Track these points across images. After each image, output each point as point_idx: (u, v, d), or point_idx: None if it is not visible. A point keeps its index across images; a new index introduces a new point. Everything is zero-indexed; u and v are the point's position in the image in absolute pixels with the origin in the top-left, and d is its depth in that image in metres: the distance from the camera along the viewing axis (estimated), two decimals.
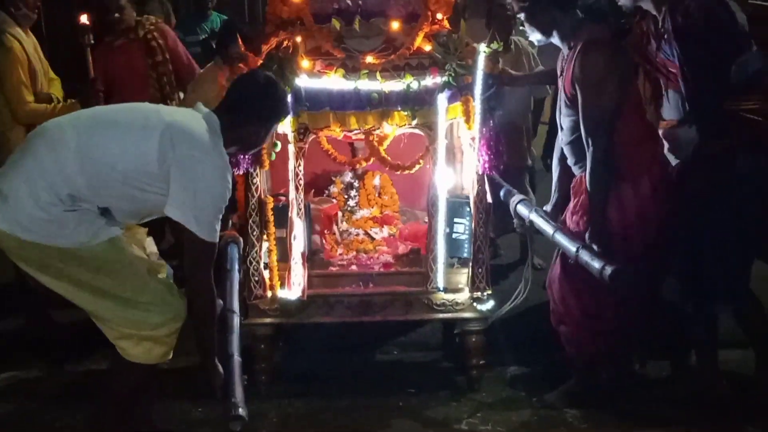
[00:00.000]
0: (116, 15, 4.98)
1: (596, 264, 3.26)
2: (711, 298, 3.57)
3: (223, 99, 3.22)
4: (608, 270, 3.20)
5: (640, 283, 3.43)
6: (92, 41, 4.51)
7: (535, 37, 3.65)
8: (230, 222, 3.82)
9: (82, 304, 3.10)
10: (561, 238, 3.53)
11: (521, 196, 3.94)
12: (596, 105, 3.40)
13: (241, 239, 3.71)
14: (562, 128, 3.67)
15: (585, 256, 3.35)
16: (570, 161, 3.69)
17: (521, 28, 3.97)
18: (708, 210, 3.48)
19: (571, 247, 3.44)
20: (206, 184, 2.95)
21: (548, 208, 3.89)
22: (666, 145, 3.60)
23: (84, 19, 4.49)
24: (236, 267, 3.51)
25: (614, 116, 3.42)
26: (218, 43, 5.07)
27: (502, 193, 3.97)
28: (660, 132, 3.61)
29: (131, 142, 2.98)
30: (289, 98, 3.59)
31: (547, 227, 3.63)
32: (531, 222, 3.75)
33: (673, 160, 3.60)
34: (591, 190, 3.48)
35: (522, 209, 3.83)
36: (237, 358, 3.08)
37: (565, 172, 3.77)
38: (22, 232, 2.93)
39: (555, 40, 3.59)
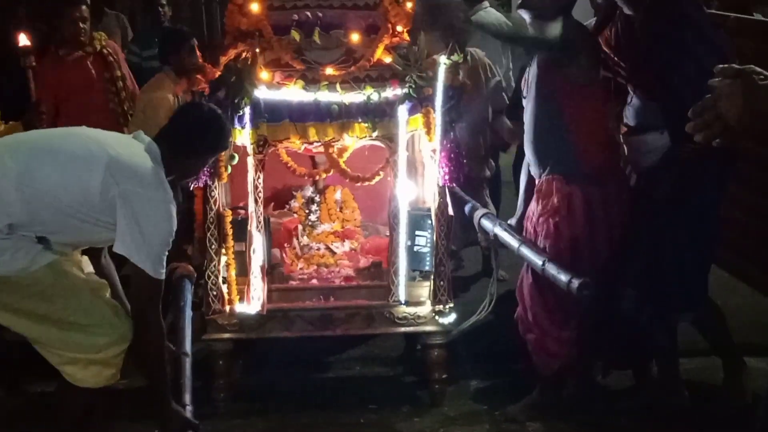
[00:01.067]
0: (81, 25, 4.90)
1: (563, 277, 3.32)
2: (670, 307, 3.63)
3: (166, 127, 3.24)
4: (575, 283, 3.26)
5: (600, 294, 3.48)
6: (33, 63, 4.43)
7: None
8: (186, 252, 3.84)
9: (24, 331, 3.06)
10: (527, 252, 3.58)
11: (485, 210, 3.98)
12: None
13: (194, 273, 3.70)
14: (531, 125, 3.70)
15: (551, 269, 3.41)
16: (533, 168, 3.74)
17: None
18: (668, 216, 3.53)
19: (537, 260, 3.50)
20: (152, 221, 2.97)
21: (513, 221, 3.94)
22: (626, 151, 3.68)
23: (23, 40, 4.39)
24: (189, 304, 3.50)
25: None
26: (167, 52, 5.00)
27: (466, 209, 4.02)
28: (623, 138, 3.68)
29: (73, 173, 2.96)
30: (248, 110, 3.63)
31: (512, 241, 3.68)
32: (495, 236, 3.80)
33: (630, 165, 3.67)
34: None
35: (486, 223, 3.87)
36: (190, 408, 3.10)
37: (531, 184, 3.82)
38: None
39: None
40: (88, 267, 3.31)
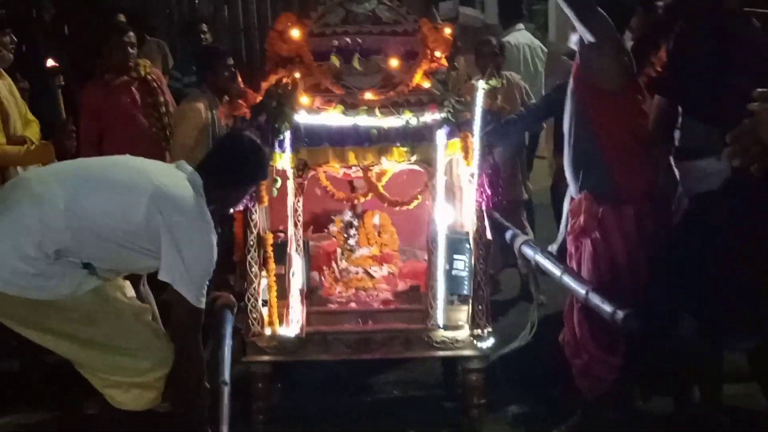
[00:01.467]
0: (129, 51, 5.00)
1: (607, 308, 3.29)
2: (733, 335, 3.56)
3: (207, 157, 3.33)
4: (620, 314, 3.23)
5: (650, 321, 3.44)
6: (62, 83, 4.53)
7: None
8: (229, 282, 3.89)
9: (68, 355, 3.13)
10: (569, 281, 3.56)
11: (525, 237, 3.98)
12: None
13: (235, 303, 3.75)
14: (570, 145, 3.69)
15: (595, 299, 3.38)
16: (571, 186, 3.73)
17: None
18: (730, 243, 3.43)
19: (580, 290, 3.48)
20: (194, 250, 3.04)
21: (554, 247, 3.93)
22: (677, 175, 3.65)
23: (51, 62, 4.51)
24: (229, 334, 3.55)
25: None
26: (202, 69, 5.06)
27: (507, 237, 4.03)
28: (673, 162, 3.65)
29: (118, 202, 3.05)
30: (288, 134, 3.68)
31: (554, 269, 3.67)
32: (537, 264, 3.79)
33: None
34: None
35: (527, 251, 3.87)
36: None
37: None
38: (5, 286, 2.96)
39: None
40: (131, 291, 3.37)
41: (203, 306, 3.09)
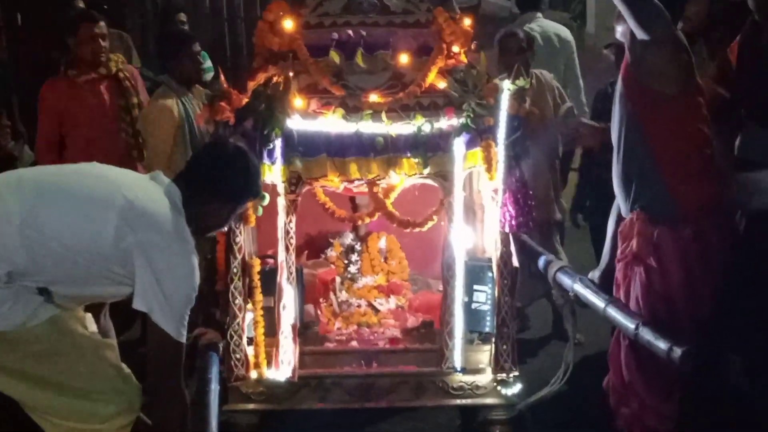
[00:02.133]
0: (100, 43, 4.97)
1: (661, 344, 3.24)
2: None
3: (187, 168, 3.25)
4: (677, 352, 3.17)
5: (707, 362, 3.40)
6: None
7: None
8: (214, 316, 3.84)
9: (18, 396, 3.07)
10: (616, 314, 3.51)
11: (561, 263, 3.94)
12: None
13: (222, 340, 3.72)
14: (620, 157, 3.65)
15: (647, 334, 3.32)
16: (621, 204, 3.68)
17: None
18: None
19: (628, 324, 3.42)
20: (173, 275, 2.98)
21: (596, 274, 3.89)
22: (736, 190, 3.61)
23: None
24: (216, 377, 3.50)
25: None
26: (164, 57, 5.04)
27: (540, 263, 4.00)
28: (735, 176, 3.62)
29: (83, 219, 2.98)
30: (280, 143, 3.65)
31: (596, 300, 3.62)
32: (576, 295, 3.74)
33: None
34: None
35: (565, 279, 3.83)
36: None
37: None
38: None
39: None
40: (92, 325, 3.32)
41: (184, 339, 3.03)
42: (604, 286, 3.75)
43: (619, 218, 3.76)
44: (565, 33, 6.28)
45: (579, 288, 3.74)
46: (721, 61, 3.84)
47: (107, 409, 3.07)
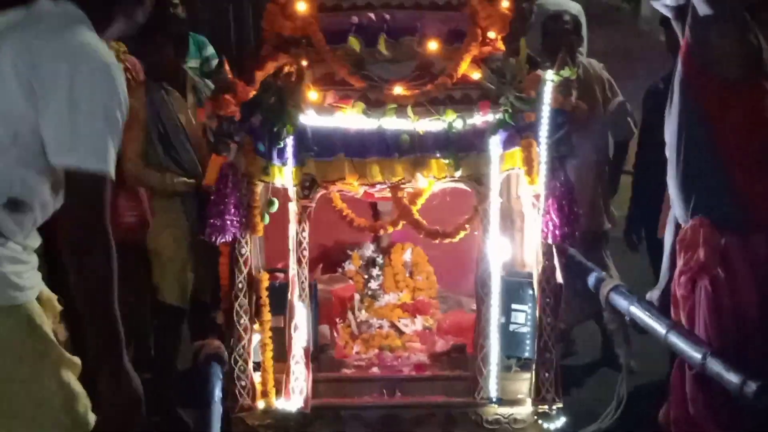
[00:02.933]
0: None
1: (733, 378, 3.23)
2: None
3: None
4: (751, 386, 3.16)
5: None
6: None
7: None
8: (215, 321, 3.92)
9: None
10: (679, 341, 3.52)
11: (615, 282, 3.96)
12: None
13: (225, 353, 3.76)
14: (678, 156, 3.67)
15: (715, 365, 3.32)
16: (678, 210, 3.70)
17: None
18: None
19: (694, 354, 3.43)
20: (82, 93, 2.78)
21: (655, 294, 3.92)
22: None
23: None
24: (219, 395, 3.53)
25: None
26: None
27: (590, 281, 4.03)
28: None
29: None
30: (291, 141, 3.70)
31: (657, 325, 3.65)
32: (631, 317, 3.78)
33: None
34: None
35: (619, 300, 3.86)
36: None
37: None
38: None
39: None
40: (62, 335, 3.14)
41: (108, 168, 2.80)
42: (665, 308, 3.77)
43: (677, 228, 3.78)
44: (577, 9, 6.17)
45: (636, 311, 3.76)
46: None
47: None
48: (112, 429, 2.88)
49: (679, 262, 3.69)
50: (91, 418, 2.98)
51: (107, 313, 2.84)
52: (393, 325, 4.35)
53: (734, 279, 3.54)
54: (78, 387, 3.02)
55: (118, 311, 2.86)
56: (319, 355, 4.01)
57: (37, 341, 2.91)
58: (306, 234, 3.84)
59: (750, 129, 3.55)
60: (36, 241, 2.98)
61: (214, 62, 5.89)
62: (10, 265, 2.85)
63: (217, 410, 3.47)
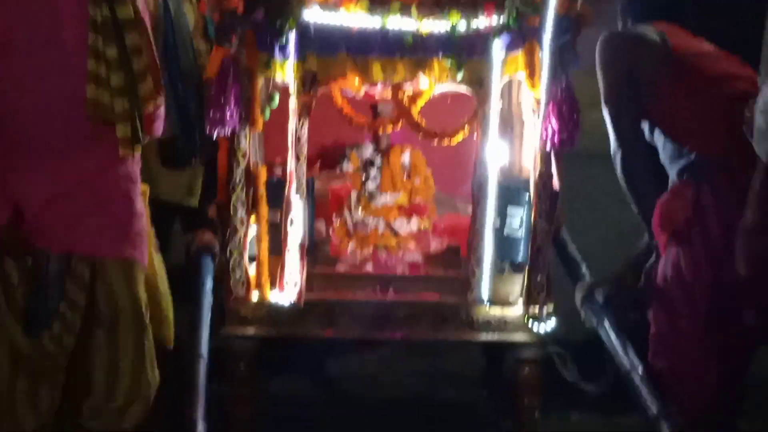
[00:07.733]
0: None
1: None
2: None
3: None
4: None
5: None
6: None
7: None
8: (207, 213, 3.89)
9: None
10: (639, 384, 3.41)
11: (588, 284, 3.85)
12: None
13: (217, 245, 3.75)
14: None
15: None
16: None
17: None
18: None
19: (649, 405, 3.33)
20: None
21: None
22: None
23: None
24: (209, 288, 3.53)
25: None
26: None
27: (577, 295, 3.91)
28: None
29: None
30: (293, 36, 3.65)
31: (622, 359, 3.52)
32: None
33: None
34: None
35: (589, 315, 3.76)
36: (203, 425, 3.07)
37: None
38: None
39: None
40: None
41: None
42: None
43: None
44: None
45: (603, 335, 3.65)
46: None
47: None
48: None
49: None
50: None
51: None
52: (389, 225, 4.33)
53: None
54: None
55: None
56: (314, 250, 4.01)
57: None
58: (305, 130, 3.82)
59: None
60: None
61: None
62: None
63: (208, 302, 3.45)
